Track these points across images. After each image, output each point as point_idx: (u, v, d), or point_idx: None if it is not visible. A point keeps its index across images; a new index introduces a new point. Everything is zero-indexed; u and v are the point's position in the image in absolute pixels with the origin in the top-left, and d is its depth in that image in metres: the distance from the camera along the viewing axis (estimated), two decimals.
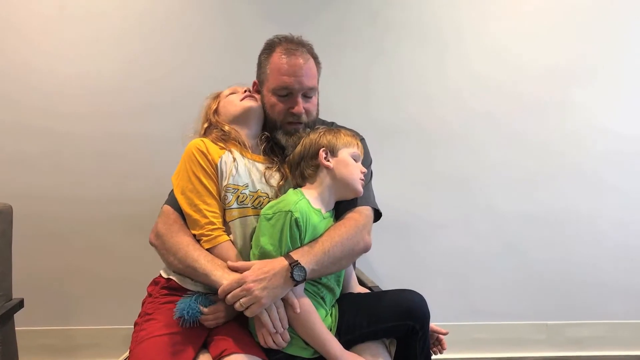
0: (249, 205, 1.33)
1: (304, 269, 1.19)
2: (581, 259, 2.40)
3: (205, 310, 1.24)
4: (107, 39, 2.16)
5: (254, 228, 1.31)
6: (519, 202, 2.36)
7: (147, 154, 2.19)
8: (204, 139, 1.38)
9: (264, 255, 1.22)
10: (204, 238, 1.29)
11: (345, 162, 1.32)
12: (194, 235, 1.31)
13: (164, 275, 1.37)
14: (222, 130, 1.41)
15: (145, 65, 2.18)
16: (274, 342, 1.21)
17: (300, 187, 1.34)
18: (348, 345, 1.29)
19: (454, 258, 2.36)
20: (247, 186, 1.34)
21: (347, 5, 2.25)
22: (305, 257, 1.21)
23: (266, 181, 1.37)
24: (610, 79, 2.34)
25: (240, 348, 1.19)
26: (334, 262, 1.27)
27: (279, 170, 1.40)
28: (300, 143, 1.36)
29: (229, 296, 1.18)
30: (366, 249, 1.34)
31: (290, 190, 1.32)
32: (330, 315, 1.32)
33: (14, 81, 2.14)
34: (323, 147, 1.33)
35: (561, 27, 2.32)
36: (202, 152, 1.33)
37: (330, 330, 1.28)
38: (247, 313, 1.18)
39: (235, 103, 1.45)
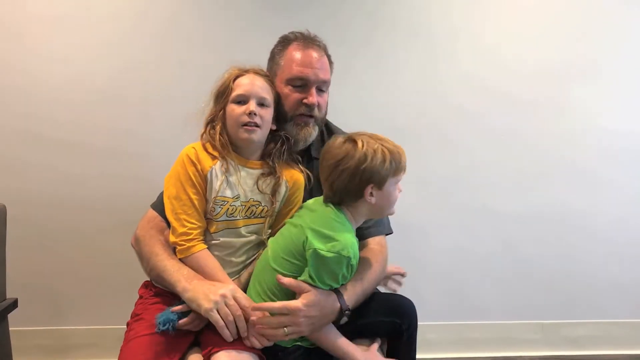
0: (239, 217, 1.31)
1: (350, 314, 1.22)
2: (577, 258, 2.41)
3: (182, 322, 1.22)
4: (103, 42, 2.15)
5: (242, 241, 1.31)
6: (513, 201, 2.37)
7: (142, 155, 2.19)
8: (196, 146, 1.32)
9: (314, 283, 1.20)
10: (178, 247, 1.27)
11: (389, 194, 1.24)
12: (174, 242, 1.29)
13: None
14: (220, 138, 1.32)
15: (142, 70, 2.17)
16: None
17: (335, 203, 1.26)
18: None
19: (449, 258, 2.37)
20: (237, 197, 1.31)
21: (339, 5, 2.25)
22: (351, 300, 1.24)
23: (259, 189, 1.33)
24: (603, 77, 2.36)
25: (230, 344, 1.19)
26: (365, 297, 1.31)
27: (273, 175, 1.34)
28: (349, 168, 1.19)
29: (273, 319, 1.18)
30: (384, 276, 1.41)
31: (338, 220, 1.22)
32: None
33: (9, 85, 2.13)
34: (372, 183, 1.20)
35: (554, 25, 2.33)
36: (192, 162, 1.29)
37: None
38: (286, 339, 1.20)
39: (237, 127, 1.30)
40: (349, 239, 1.19)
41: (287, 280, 1.19)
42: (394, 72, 2.28)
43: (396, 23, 2.27)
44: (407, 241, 2.34)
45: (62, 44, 2.14)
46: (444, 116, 2.32)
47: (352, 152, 1.19)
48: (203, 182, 1.29)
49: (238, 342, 1.20)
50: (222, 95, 1.32)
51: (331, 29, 2.22)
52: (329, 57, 1.51)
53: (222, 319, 1.17)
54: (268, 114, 1.33)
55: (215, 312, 1.17)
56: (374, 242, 1.41)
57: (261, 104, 1.31)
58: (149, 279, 1.40)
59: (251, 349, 1.20)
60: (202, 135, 1.35)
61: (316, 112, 1.43)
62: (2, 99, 2.14)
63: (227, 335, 1.17)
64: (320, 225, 1.20)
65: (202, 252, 1.27)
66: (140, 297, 1.39)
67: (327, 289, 1.20)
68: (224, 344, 1.18)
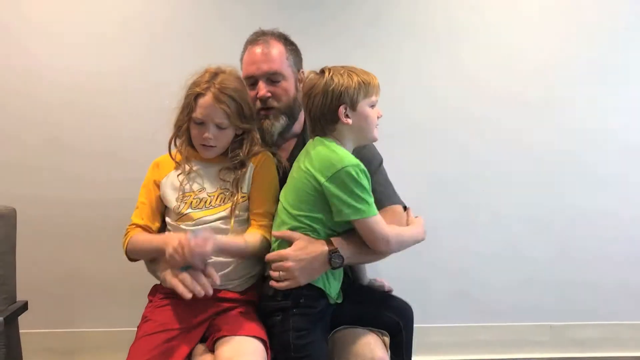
0: (211, 205, 1.37)
1: (342, 257, 1.27)
2: (585, 259, 2.39)
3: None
4: (111, 47, 2.18)
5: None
6: (521, 202, 2.35)
7: (152, 156, 2.20)
8: (162, 158, 1.47)
9: (357, 213, 1.23)
10: (122, 242, 1.44)
11: (365, 116, 1.30)
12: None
13: None
14: (182, 150, 1.43)
15: (153, 75, 2.18)
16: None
17: (320, 135, 1.32)
18: (340, 318, 1.37)
19: (456, 259, 2.36)
20: (203, 190, 1.39)
21: (340, 6, 2.25)
22: (344, 247, 1.29)
23: (221, 178, 1.39)
24: (612, 76, 2.34)
25: (233, 331, 1.24)
26: (365, 257, 1.36)
27: (234, 167, 1.40)
28: (318, 93, 1.28)
29: (274, 267, 1.26)
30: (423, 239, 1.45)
31: (328, 145, 1.28)
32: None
33: (16, 90, 2.15)
34: (344, 103, 1.27)
35: (561, 24, 2.31)
36: (152, 172, 1.46)
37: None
38: (278, 285, 1.26)
39: (196, 144, 1.40)
40: (343, 153, 1.26)
41: (279, 233, 1.30)
42: (398, 74, 2.28)
43: (399, 24, 2.27)
44: None
45: (67, 51, 2.16)
46: (449, 117, 2.31)
47: (320, 79, 1.29)
48: (157, 189, 1.43)
49: (242, 328, 1.26)
50: (187, 107, 1.38)
51: (332, 29, 2.24)
52: (286, 45, 1.55)
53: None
54: (224, 134, 1.38)
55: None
56: (383, 211, 1.41)
57: (218, 126, 1.36)
58: (157, 283, 1.43)
59: (258, 333, 1.25)
60: (169, 143, 1.45)
61: (272, 102, 1.50)
62: (12, 104, 2.16)
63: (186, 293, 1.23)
64: (320, 162, 1.26)
65: (133, 236, 1.40)
66: (150, 301, 1.42)
67: (370, 208, 1.24)
68: (230, 331, 1.25)
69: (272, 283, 1.27)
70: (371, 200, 1.25)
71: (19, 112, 2.16)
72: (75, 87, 2.17)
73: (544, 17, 2.31)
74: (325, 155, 1.26)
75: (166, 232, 1.41)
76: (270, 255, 1.30)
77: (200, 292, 1.21)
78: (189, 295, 1.21)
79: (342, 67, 1.30)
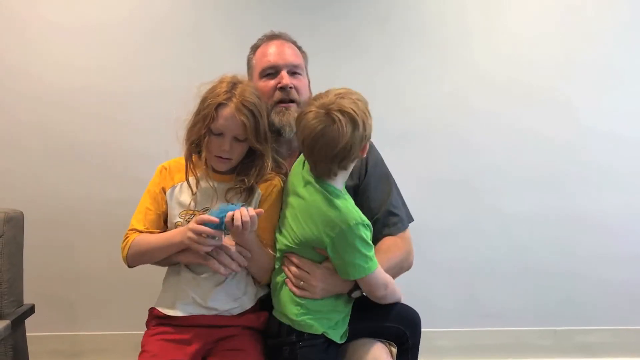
0: None
1: (362, 291, 1.30)
2: (590, 263, 2.38)
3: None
4: (120, 51, 2.20)
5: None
6: (526, 204, 2.35)
7: (156, 157, 2.21)
8: (169, 164, 1.43)
9: (362, 271, 1.24)
10: (122, 247, 1.38)
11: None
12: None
13: (155, 305, 1.38)
14: (205, 165, 1.36)
15: (162, 78, 2.20)
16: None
17: (322, 177, 1.27)
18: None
19: (460, 262, 2.36)
20: (207, 209, 1.33)
21: (348, 7, 2.27)
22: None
23: (227, 200, 1.34)
24: (620, 77, 2.33)
25: None
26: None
27: (242, 190, 1.35)
28: (325, 144, 1.20)
29: (297, 270, 1.26)
30: (409, 268, 1.49)
31: (328, 197, 1.23)
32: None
33: (24, 92, 2.17)
34: (355, 158, 1.26)
35: (569, 22, 2.31)
36: (160, 178, 1.42)
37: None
38: (297, 292, 1.26)
39: (211, 155, 1.33)
40: (344, 208, 1.23)
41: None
42: (404, 74, 2.29)
43: (406, 23, 2.28)
44: (418, 246, 2.33)
45: (77, 54, 2.18)
46: (453, 117, 2.32)
47: (327, 126, 1.20)
48: (162, 196, 1.40)
49: None
50: (206, 118, 1.30)
51: (341, 31, 2.26)
52: (299, 48, 1.57)
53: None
54: (241, 146, 1.33)
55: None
56: (390, 239, 1.44)
57: (235, 138, 1.31)
58: (152, 306, 1.40)
59: None
60: (186, 158, 1.37)
61: (295, 94, 1.45)
62: (20, 107, 2.18)
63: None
64: (323, 221, 1.23)
65: (138, 237, 1.36)
66: (147, 327, 1.39)
67: (373, 263, 1.24)
68: None
69: (291, 287, 1.27)
70: (373, 254, 1.25)
71: (24, 116, 2.18)
72: (78, 89, 2.19)
73: (554, 17, 2.31)
74: (326, 212, 1.22)
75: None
76: (300, 262, 1.27)
77: (237, 268, 1.26)
78: (225, 272, 1.25)
79: (345, 109, 1.22)
